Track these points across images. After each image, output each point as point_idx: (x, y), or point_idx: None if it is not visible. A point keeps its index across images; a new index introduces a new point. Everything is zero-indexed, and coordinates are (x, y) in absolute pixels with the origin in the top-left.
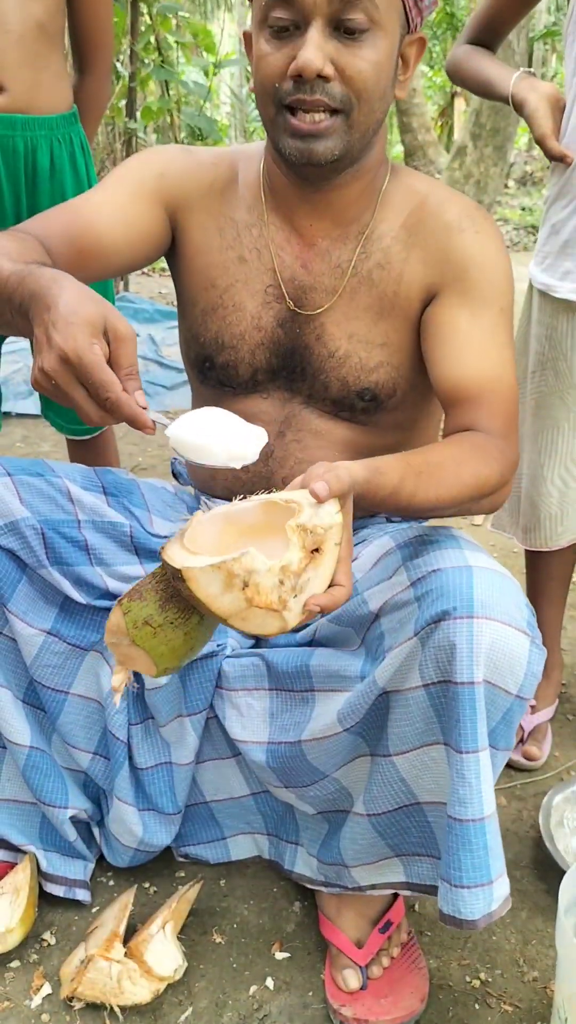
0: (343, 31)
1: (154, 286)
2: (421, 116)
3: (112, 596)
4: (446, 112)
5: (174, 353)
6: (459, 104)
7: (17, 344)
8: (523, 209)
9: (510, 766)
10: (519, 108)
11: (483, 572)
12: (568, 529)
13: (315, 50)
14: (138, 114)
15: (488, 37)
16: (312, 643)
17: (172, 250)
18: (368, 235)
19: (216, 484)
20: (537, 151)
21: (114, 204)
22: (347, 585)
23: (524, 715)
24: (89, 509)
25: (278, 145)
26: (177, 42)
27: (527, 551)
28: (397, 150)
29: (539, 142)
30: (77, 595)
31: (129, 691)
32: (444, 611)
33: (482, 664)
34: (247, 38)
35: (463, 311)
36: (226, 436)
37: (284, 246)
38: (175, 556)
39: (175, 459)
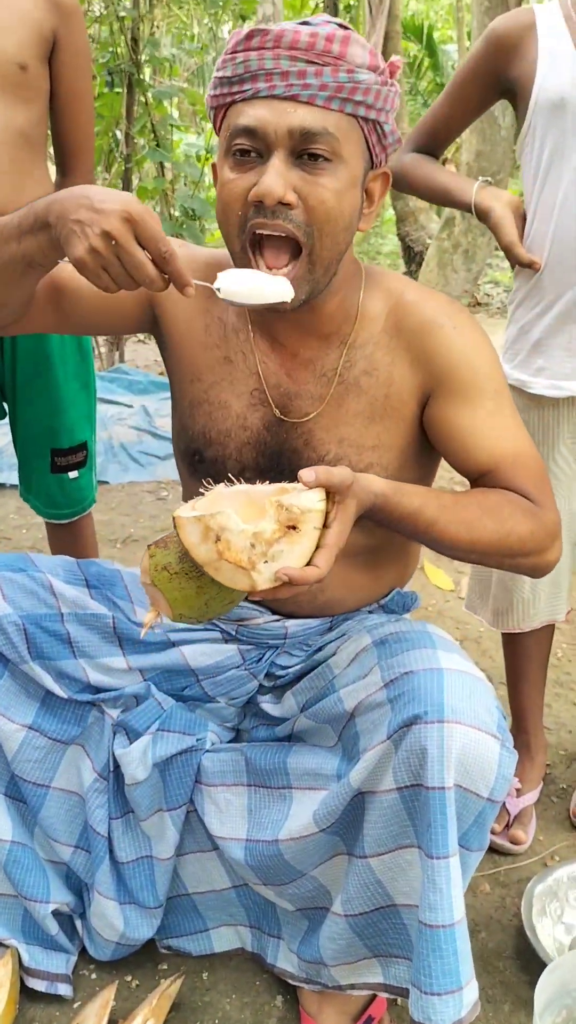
0: (306, 160)
1: (150, 354)
2: None
3: (94, 689)
4: None
5: (168, 424)
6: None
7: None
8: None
9: (494, 850)
10: (483, 217)
11: (454, 675)
12: (540, 611)
13: (276, 177)
14: (133, 194)
15: (433, 145)
16: (291, 737)
17: (157, 332)
18: (351, 344)
19: None
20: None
21: None
22: (323, 568)
23: (509, 798)
24: (71, 602)
25: None
26: (172, 125)
27: (503, 633)
28: (389, 214)
29: (506, 250)
30: (59, 689)
31: (109, 786)
32: (416, 715)
33: (453, 769)
34: (215, 169)
35: (462, 407)
36: (264, 280)
37: (268, 354)
38: (179, 509)
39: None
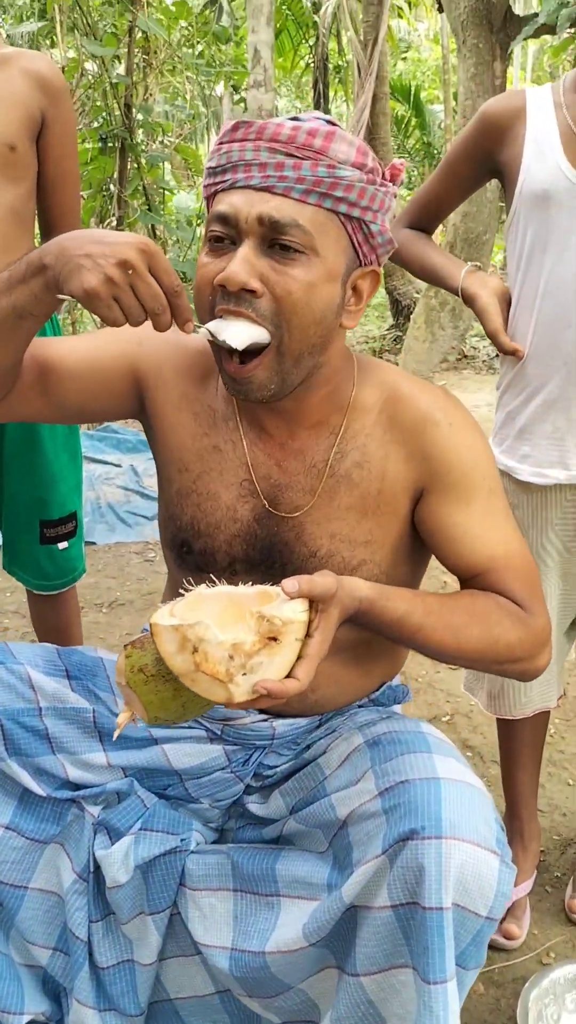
0: (277, 251)
1: None
2: None
3: (73, 786)
4: None
5: (156, 484)
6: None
7: None
8: None
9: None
10: (469, 302)
11: (451, 786)
12: (532, 699)
13: (242, 263)
14: None
15: (427, 221)
16: (279, 840)
17: (144, 419)
18: (342, 435)
19: None
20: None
21: (82, 355)
22: (303, 681)
23: None
24: (51, 696)
25: (218, 369)
26: (163, 188)
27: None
28: None
29: (491, 337)
30: (37, 787)
31: (89, 887)
32: (412, 830)
33: (451, 888)
34: None
35: (455, 506)
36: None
37: (257, 444)
38: (156, 613)
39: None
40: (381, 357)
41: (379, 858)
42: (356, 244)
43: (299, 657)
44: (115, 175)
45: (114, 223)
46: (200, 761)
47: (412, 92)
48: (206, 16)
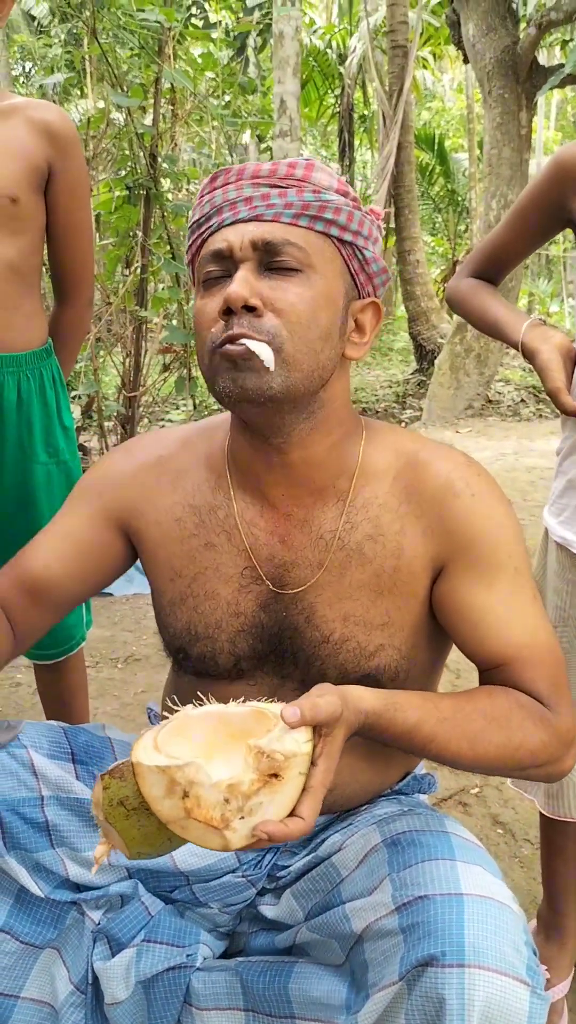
0: (274, 271)
1: None
2: (424, 284)
3: (72, 886)
4: (448, 278)
5: None
6: None
7: None
8: (524, 370)
9: None
10: (530, 357)
11: (476, 904)
12: None
13: (241, 283)
14: (149, 302)
15: (493, 272)
16: (293, 949)
17: (139, 551)
18: (351, 502)
19: None
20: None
21: (60, 547)
22: (308, 819)
23: None
24: (54, 784)
25: (216, 390)
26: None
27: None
28: (400, 311)
29: (552, 396)
30: (35, 887)
31: (87, 1000)
32: (431, 955)
33: (476, 1023)
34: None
35: (478, 585)
36: None
37: (257, 522)
38: (138, 747)
39: (150, 708)
40: (405, 401)
41: (396, 984)
42: (352, 271)
43: (304, 789)
44: (140, 224)
45: (138, 271)
46: (208, 863)
47: (436, 141)
48: (232, 68)
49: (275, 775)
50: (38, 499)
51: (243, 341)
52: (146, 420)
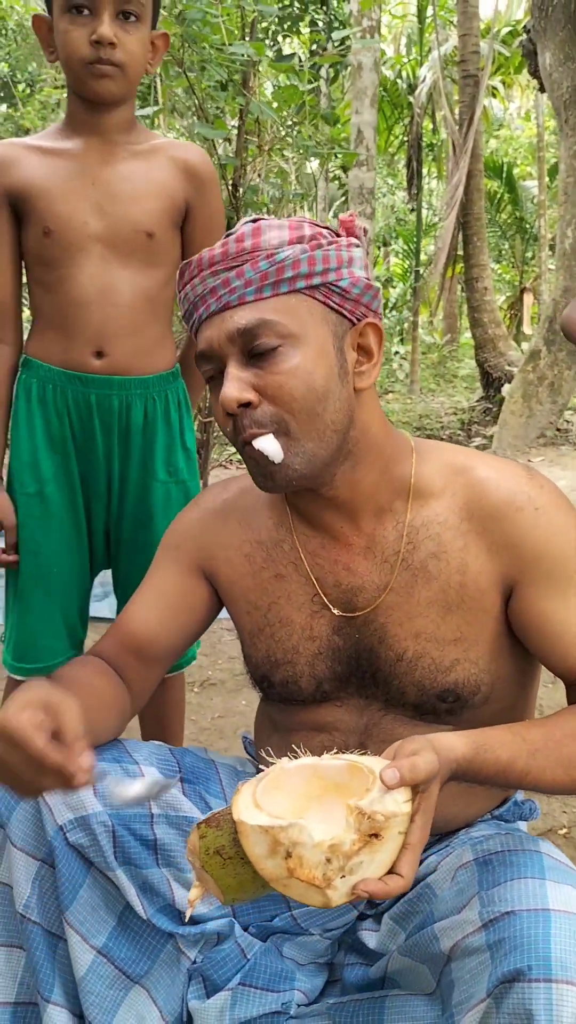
0: (258, 357)
1: None
2: (491, 311)
3: (173, 914)
4: (515, 305)
5: None
6: (527, 298)
7: None
8: None
9: None
10: None
11: (562, 919)
12: None
13: (231, 384)
14: None
15: None
16: (384, 980)
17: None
18: (410, 523)
19: None
20: None
21: (154, 605)
22: (407, 877)
23: None
24: (164, 802)
25: (249, 470)
26: None
27: None
28: (466, 337)
29: None
30: (140, 906)
31: None
32: (518, 970)
33: None
34: None
35: (552, 600)
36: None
37: (319, 552)
38: (239, 804)
39: (245, 737)
40: (470, 429)
41: (484, 1002)
42: (335, 307)
43: (403, 846)
44: None
45: None
46: None
47: (504, 169)
48: (313, 100)
49: (375, 835)
50: (155, 517)
51: (252, 443)
52: (218, 445)
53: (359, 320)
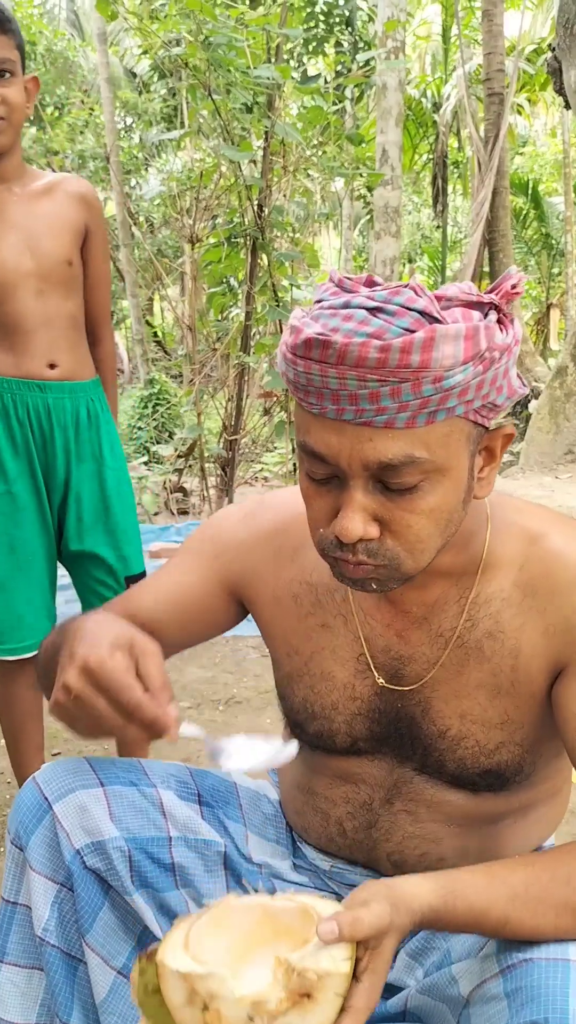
0: (390, 487)
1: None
2: None
3: None
4: (542, 321)
5: None
6: (554, 314)
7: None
8: None
9: None
10: None
11: None
12: None
13: (355, 517)
14: (252, 348)
15: None
16: (405, 1015)
17: (253, 615)
18: (473, 599)
19: (308, 835)
20: None
21: (171, 596)
22: None
23: None
24: (182, 824)
25: (334, 574)
26: (292, 284)
27: None
28: None
29: None
30: (158, 928)
31: None
32: (535, 1021)
33: None
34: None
35: None
36: (268, 749)
37: (374, 613)
38: (167, 942)
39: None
40: None
41: None
42: (479, 421)
43: (342, 1009)
44: (247, 272)
45: (242, 317)
46: None
47: (530, 185)
48: (338, 120)
49: (308, 995)
50: (112, 499)
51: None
52: (244, 463)
53: (490, 423)
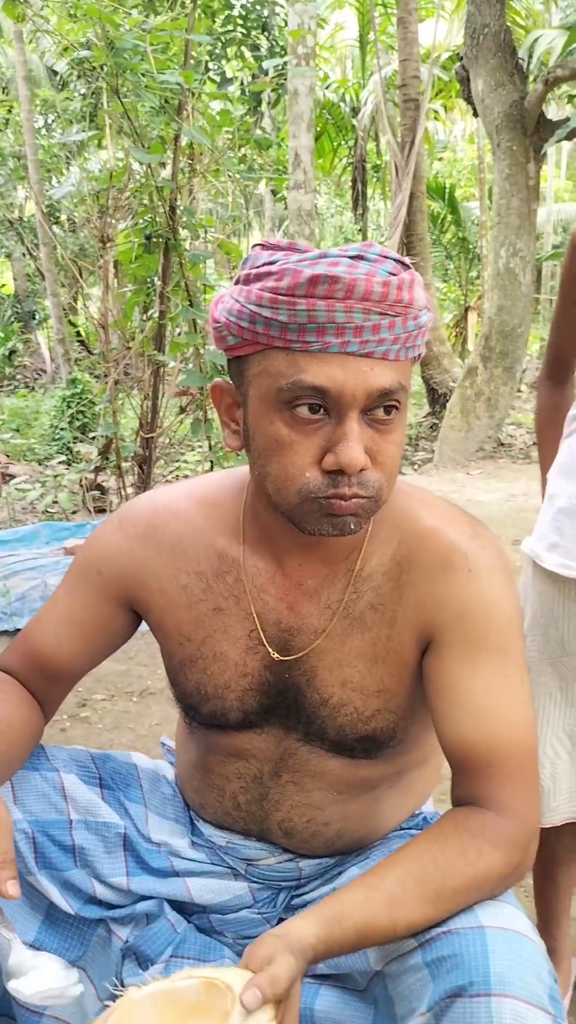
0: (376, 417)
1: None
2: (436, 329)
3: (98, 903)
4: (459, 324)
5: None
6: (471, 317)
7: (37, 561)
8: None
9: None
10: None
11: (498, 936)
12: (561, 805)
13: (356, 444)
14: (167, 347)
15: (563, 372)
16: (315, 975)
17: (140, 614)
18: (358, 573)
19: (205, 811)
20: None
21: (67, 630)
22: None
23: None
24: (83, 808)
25: (302, 527)
26: (205, 285)
27: None
28: None
29: None
30: (65, 904)
31: None
32: (460, 986)
33: None
34: (219, 392)
35: (462, 664)
36: (58, 981)
37: (268, 588)
38: None
39: (164, 743)
40: (417, 444)
41: (425, 1015)
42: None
43: None
44: (159, 272)
45: (157, 317)
46: (224, 899)
47: (447, 190)
48: (248, 123)
49: None
50: None
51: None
52: (162, 460)
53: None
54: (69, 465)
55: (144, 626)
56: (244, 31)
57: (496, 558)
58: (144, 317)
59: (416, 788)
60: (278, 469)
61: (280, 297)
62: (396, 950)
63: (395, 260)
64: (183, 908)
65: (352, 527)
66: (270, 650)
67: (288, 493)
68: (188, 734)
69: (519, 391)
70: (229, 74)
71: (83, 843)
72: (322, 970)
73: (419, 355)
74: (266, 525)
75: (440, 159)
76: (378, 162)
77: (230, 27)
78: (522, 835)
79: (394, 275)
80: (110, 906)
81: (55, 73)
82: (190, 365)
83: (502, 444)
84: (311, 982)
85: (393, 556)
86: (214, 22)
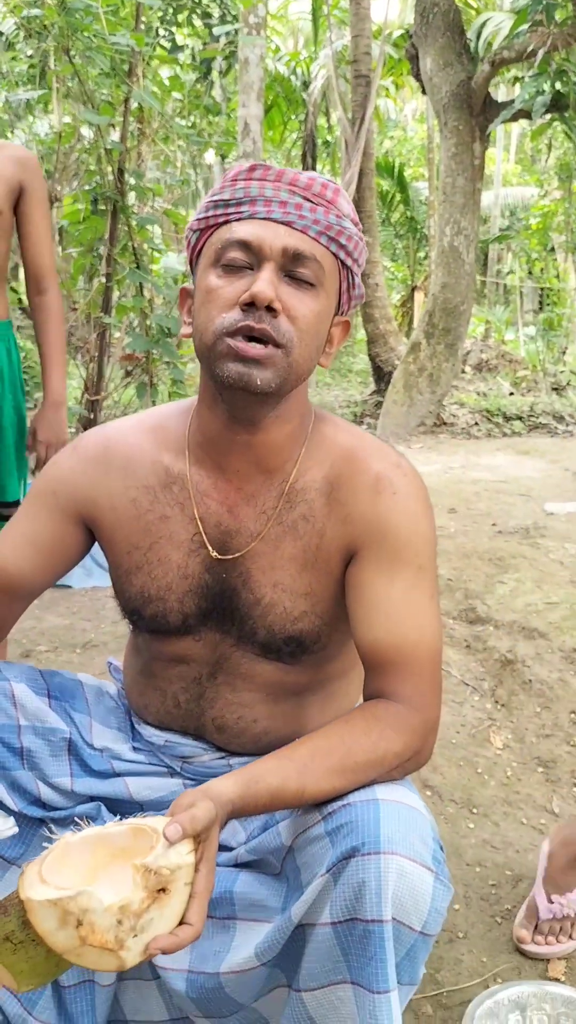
0: (292, 280)
1: None
2: (383, 307)
3: (42, 805)
4: (407, 303)
5: None
6: (419, 296)
7: None
8: (479, 394)
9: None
10: None
11: (389, 806)
12: None
13: (268, 284)
14: (113, 310)
15: None
16: (236, 864)
17: (93, 533)
18: (292, 484)
19: (148, 712)
20: (492, 340)
21: (26, 548)
22: (197, 924)
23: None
24: (32, 714)
25: (215, 372)
26: (152, 248)
27: None
28: (360, 335)
29: None
30: (10, 801)
31: None
32: (353, 847)
33: (390, 901)
34: (184, 295)
35: (380, 574)
36: None
37: (211, 492)
38: (24, 883)
39: (110, 662)
40: (362, 421)
41: (324, 876)
42: (341, 292)
43: (191, 895)
44: (106, 235)
45: (104, 279)
46: (161, 794)
47: (397, 169)
48: (198, 90)
49: (163, 889)
50: (6, 434)
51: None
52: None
53: (341, 314)
54: None
55: (88, 582)
56: None
57: (417, 486)
58: (89, 283)
59: (338, 697)
60: (204, 316)
61: (227, 183)
62: (303, 824)
63: (329, 182)
64: (121, 809)
65: (259, 382)
66: (210, 549)
67: (208, 334)
68: (135, 647)
69: (463, 372)
70: (181, 41)
71: (31, 746)
72: (243, 857)
73: (359, 294)
74: (211, 432)
75: (391, 138)
76: (328, 138)
77: None
78: (421, 725)
79: (321, 180)
80: (53, 808)
81: (0, 34)
82: (136, 329)
83: (445, 423)
84: (231, 870)
85: (326, 476)
86: None
